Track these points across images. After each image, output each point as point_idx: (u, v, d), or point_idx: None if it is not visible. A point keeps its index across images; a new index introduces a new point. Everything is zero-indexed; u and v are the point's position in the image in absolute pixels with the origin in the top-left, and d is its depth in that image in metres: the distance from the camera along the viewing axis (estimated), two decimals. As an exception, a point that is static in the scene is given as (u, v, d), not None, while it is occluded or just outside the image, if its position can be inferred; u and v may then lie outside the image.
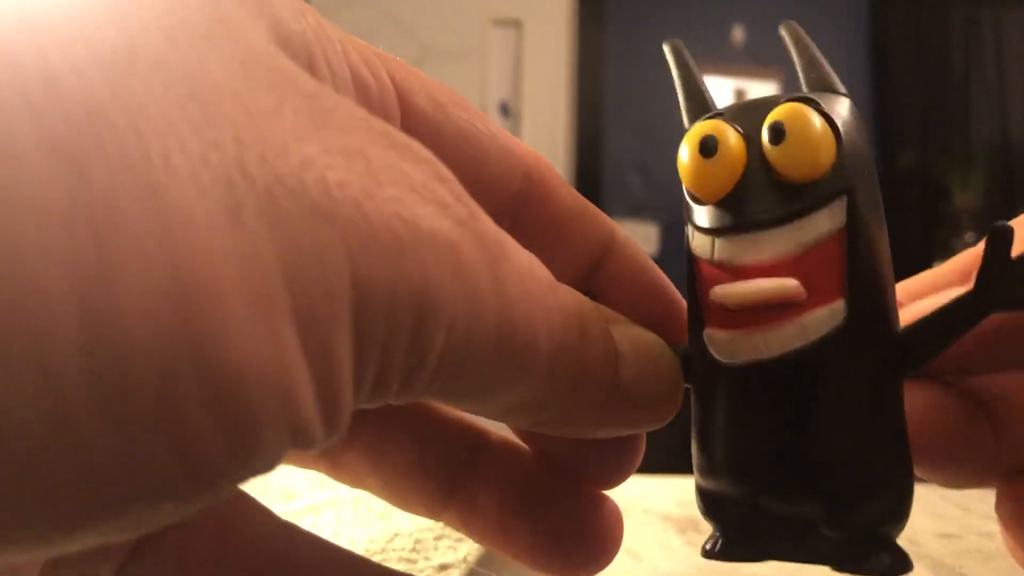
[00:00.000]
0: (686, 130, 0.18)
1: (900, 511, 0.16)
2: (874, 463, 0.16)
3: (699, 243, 0.17)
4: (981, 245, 0.17)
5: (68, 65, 0.09)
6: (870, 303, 0.16)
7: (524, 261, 0.14)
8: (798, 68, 0.18)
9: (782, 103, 0.17)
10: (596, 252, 0.20)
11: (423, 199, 0.12)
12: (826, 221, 0.16)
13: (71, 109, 0.09)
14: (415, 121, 0.17)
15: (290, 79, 0.12)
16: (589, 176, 2.18)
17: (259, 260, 0.10)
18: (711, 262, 0.17)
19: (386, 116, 0.16)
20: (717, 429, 0.17)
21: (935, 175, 2.15)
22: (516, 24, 2.19)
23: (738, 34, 2.27)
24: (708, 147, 0.17)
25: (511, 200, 0.19)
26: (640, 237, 2.16)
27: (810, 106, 0.17)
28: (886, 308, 0.16)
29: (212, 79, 0.11)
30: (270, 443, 0.10)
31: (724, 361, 0.16)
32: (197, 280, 0.09)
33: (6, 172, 0.08)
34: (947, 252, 2.05)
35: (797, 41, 0.19)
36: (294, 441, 0.11)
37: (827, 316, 0.16)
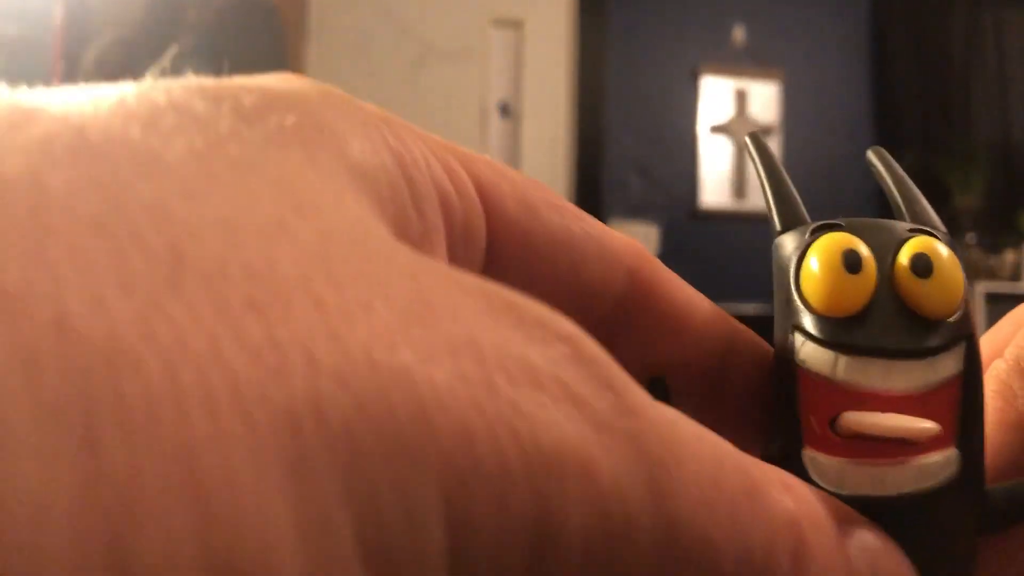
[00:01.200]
0: (778, 232, 0.18)
1: None
2: None
3: (816, 357, 0.16)
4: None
5: (89, 300, 0.07)
6: (977, 454, 0.16)
7: (706, 461, 0.11)
8: (896, 196, 0.18)
9: (915, 235, 0.17)
10: (718, 347, 0.18)
11: (551, 398, 0.10)
12: (952, 364, 0.16)
13: (84, 363, 0.07)
14: (503, 231, 0.15)
15: (384, 257, 0.10)
16: (589, 177, 2.18)
17: (326, 524, 0.08)
18: (830, 379, 0.16)
19: (469, 232, 0.14)
20: None
21: (936, 175, 2.15)
22: (517, 24, 2.19)
23: (739, 34, 2.27)
24: (852, 262, 0.16)
25: (616, 304, 0.17)
26: (640, 238, 2.16)
27: (940, 241, 0.16)
28: (983, 462, 0.16)
29: (282, 280, 0.09)
30: None
31: (829, 489, 0.15)
32: (240, 562, 0.08)
33: None
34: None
35: (889, 168, 0.19)
36: None
37: (943, 463, 0.15)
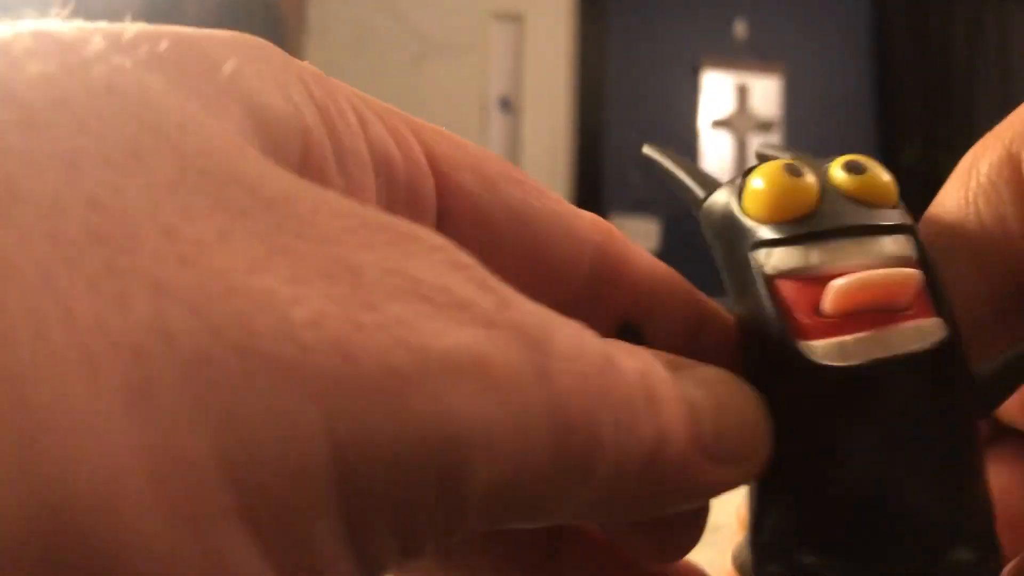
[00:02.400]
0: (701, 200, 0.19)
1: (990, 565, 0.16)
2: (968, 504, 0.16)
3: (786, 255, 0.16)
4: None
5: None
6: (958, 329, 0.16)
7: (572, 339, 0.12)
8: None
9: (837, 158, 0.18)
10: (684, 323, 0.18)
11: (437, 307, 0.10)
12: (906, 244, 0.17)
13: None
14: (459, 203, 0.14)
15: (250, 185, 0.10)
16: (590, 171, 2.18)
17: (179, 451, 0.08)
18: (806, 269, 0.16)
19: (414, 198, 0.14)
20: (805, 435, 0.16)
21: (938, 171, 2.14)
22: (517, 18, 2.18)
23: (740, 29, 2.27)
24: (794, 169, 0.17)
25: (583, 284, 0.16)
26: (641, 233, 2.16)
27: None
28: (964, 344, 0.16)
29: (128, 211, 0.08)
30: None
31: (833, 364, 0.15)
32: (77, 501, 0.07)
33: None
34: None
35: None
36: None
37: (932, 326, 0.16)
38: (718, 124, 2.24)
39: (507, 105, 2.18)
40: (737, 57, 2.25)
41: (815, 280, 0.16)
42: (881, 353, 0.15)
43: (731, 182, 0.18)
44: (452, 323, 0.10)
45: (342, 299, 0.09)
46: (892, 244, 0.16)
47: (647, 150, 0.21)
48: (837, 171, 0.17)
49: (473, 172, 0.15)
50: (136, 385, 0.08)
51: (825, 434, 0.16)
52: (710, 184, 0.19)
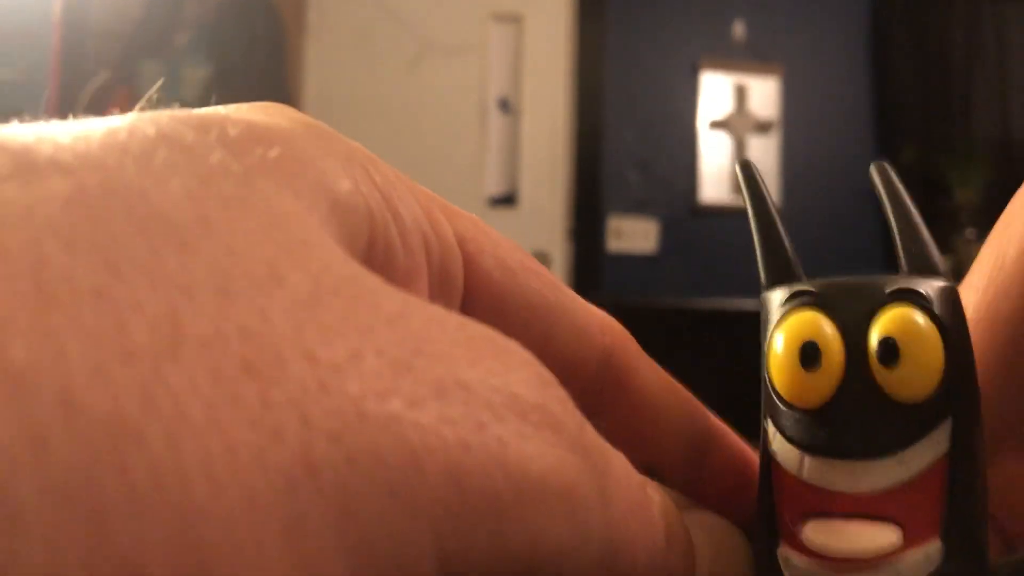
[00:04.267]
0: (764, 287, 0.17)
1: None
2: None
3: (784, 452, 0.16)
4: None
5: (92, 372, 0.08)
6: (967, 541, 0.15)
7: (624, 466, 0.12)
8: (893, 227, 0.16)
9: (888, 301, 0.15)
10: (686, 442, 0.18)
11: (534, 427, 0.11)
12: (931, 450, 0.15)
13: (89, 438, 0.07)
14: (479, 289, 0.15)
15: (370, 302, 0.10)
16: (589, 172, 2.18)
17: None
18: (798, 478, 0.15)
19: (446, 279, 0.14)
20: None
21: (935, 171, 2.15)
22: (516, 19, 2.19)
23: (739, 29, 2.27)
24: (810, 357, 0.15)
25: (588, 384, 0.16)
26: (640, 234, 2.16)
27: (919, 307, 0.15)
28: (981, 544, 0.15)
29: (275, 337, 0.09)
30: None
31: None
32: None
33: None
34: (947, 248, 2.05)
35: (891, 192, 0.17)
36: None
37: (922, 561, 0.14)
38: (716, 125, 2.24)
39: (506, 106, 2.18)
40: (736, 58, 2.25)
41: (808, 491, 0.15)
42: None
43: (782, 294, 0.16)
44: (547, 446, 0.11)
45: (454, 421, 0.10)
46: (906, 461, 0.15)
47: (739, 169, 0.18)
48: (873, 344, 0.15)
49: (496, 258, 0.15)
50: (290, 520, 0.08)
51: None
52: (776, 267, 0.17)
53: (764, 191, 0.18)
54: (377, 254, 0.12)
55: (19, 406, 0.07)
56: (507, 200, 2.16)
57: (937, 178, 2.15)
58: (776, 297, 0.16)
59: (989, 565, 0.15)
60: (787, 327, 0.15)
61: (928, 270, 0.16)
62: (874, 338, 0.15)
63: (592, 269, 2.12)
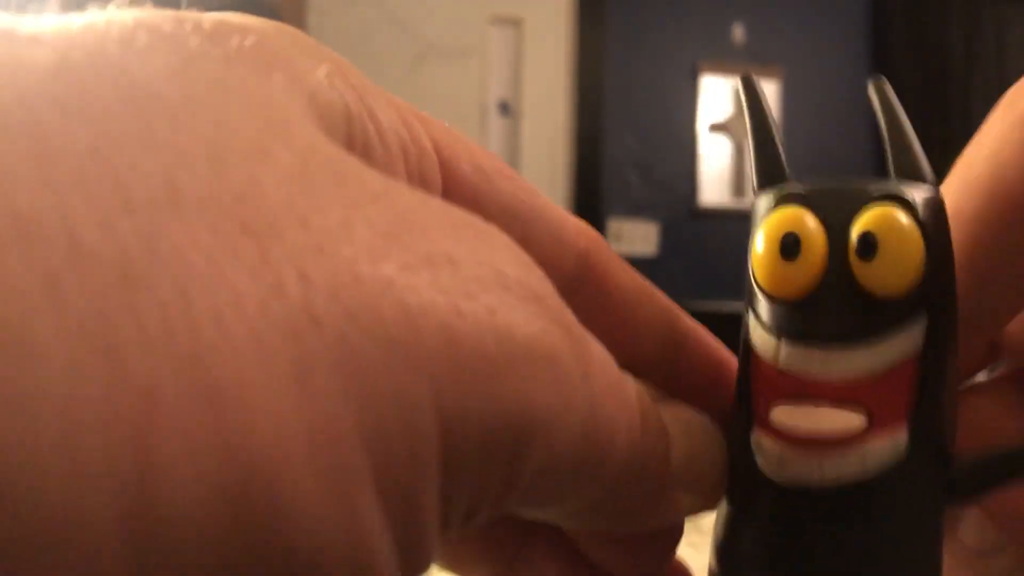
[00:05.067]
0: (755, 192, 0.17)
1: None
2: None
3: (762, 340, 0.16)
4: None
5: (97, 222, 0.08)
6: (933, 434, 0.15)
7: (600, 350, 0.13)
8: (885, 138, 0.17)
9: (873, 200, 0.15)
10: (661, 342, 0.18)
11: (519, 298, 0.11)
12: (903, 344, 0.15)
13: (100, 281, 0.08)
14: (456, 193, 0.15)
15: (355, 180, 0.10)
16: (589, 175, 2.18)
17: (333, 424, 0.09)
18: (773, 365, 0.16)
19: (424, 183, 0.15)
20: (750, 535, 0.16)
21: (935, 172, 2.14)
22: (516, 22, 2.19)
23: (738, 33, 2.27)
24: (790, 248, 0.15)
25: (565, 286, 0.16)
26: (640, 236, 2.16)
27: (903, 208, 0.15)
28: (946, 438, 0.16)
29: (269, 203, 0.09)
30: None
31: (769, 475, 0.15)
32: (256, 467, 0.08)
33: (20, 374, 0.07)
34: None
35: (885, 105, 0.17)
36: None
37: (889, 448, 0.15)
38: (716, 127, 2.24)
39: (506, 109, 2.19)
40: (735, 61, 2.25)
41: (782, 378, 0.15)
42: (814, 480, 0.15)
43: (772, 195, 0.17)
44: (531, 316, 0.11)
45: (446, 288, 0.10)
46: (878, 351, 0.15)
47: (740, 82, 0.18)
48: (853, 239, 0.15)
49: (472, 163, 0.15)
50: (298, 366, 0.09)
51: (757, 522, 0.16)
52: (769, 172, 0.17)
53: (764, 103, 0.18)
54: (356, 149, 0.12)
55: (30, 251, 0.07)
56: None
57: (936, 178, 2.15)
58: (765, 198, 0.17)
59: (954, 460, 0.16)
60: (771, 221, 0.16)
61: (916, 177, 0.16)
62: (855, 233, 0.15)
63: (592, 272, 2.12)
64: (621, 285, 0.18)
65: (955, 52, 2.32)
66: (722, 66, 2.25)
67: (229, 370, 0.08)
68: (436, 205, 0.12)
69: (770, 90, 2.26)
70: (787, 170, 0.17)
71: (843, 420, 0.15)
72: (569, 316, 0.12)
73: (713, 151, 2.24)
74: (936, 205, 0.16)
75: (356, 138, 0.12)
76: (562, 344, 0.12)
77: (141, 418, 0.08)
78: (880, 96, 0.17)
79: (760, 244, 0.16)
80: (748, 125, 0.18)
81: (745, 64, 2.24)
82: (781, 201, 0.16)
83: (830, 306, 0.15)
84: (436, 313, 0.10)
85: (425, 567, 0.11)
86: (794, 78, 2.26)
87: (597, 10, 2.20)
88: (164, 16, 0.11)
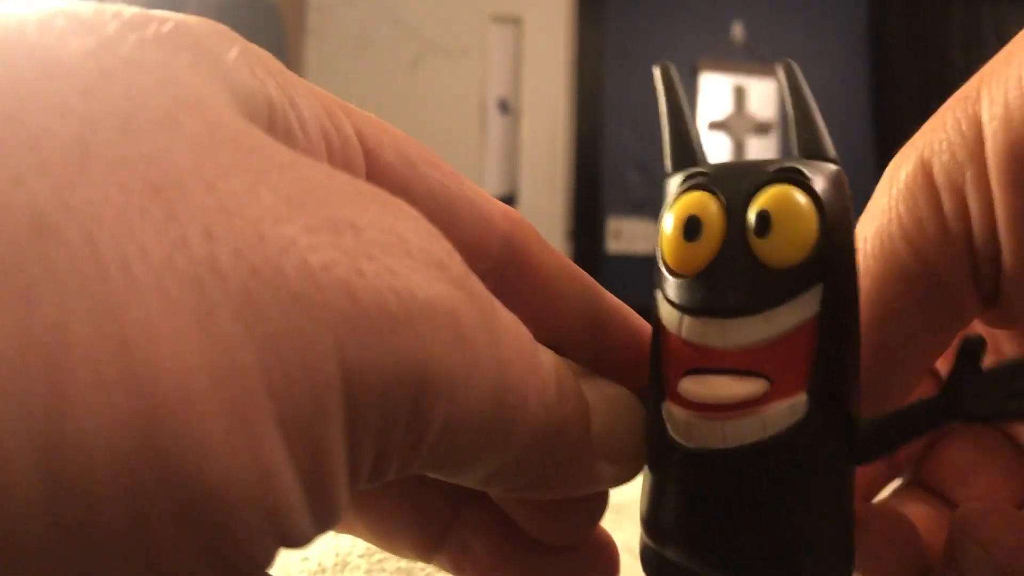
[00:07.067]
0: (668, 174, 0.18)
1: None
2: (819, 553, 0.16)
3: (667, 314, 0.17)
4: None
5: (8, 176, 0.09)
6: (833, 396, 0.16)
7: (511, 319, 0.14)
8: (791, 118, 0.18)
9: (771, 178, 0.16)
10: (584, 320, 0.19)
11: (421, 263, 0.12)
12: (798, 311, 0.16)
13: (13, 228, 0.08)
14: (382, 180, 0.16)
15: (263, 151, 0.11)
16: (589, 173, 2.18)
17: (236, 367, 0.09)
18: (678, 337, 0.17)
19: (347, 170, 0.15)
20: (668, 501, 0.17)
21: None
22: (516, 21, 2.19)
23: (738, 31, 2.27)
24: (691, 230, 0.17)
25: (490, 270, 0.18)
26: (640, 235, 2.16)
27: (798, 186, 0.16)
28: (848, 400, 0.16)
29: (176, 167, 0.10)
30: (255, 554, 0.10)
31: (679, 442, 0.16)
32: (162, 401, 0.09)
33: None
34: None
35: (794, 87, 0.18)
36: (283, 544, 0.10)
37: (787, 411, 0.16)
38: (715, 126, 2.25)
39: (506, 107, 2.19)
40: (734, 59, 2.25)
41: (687, 348, 0.16)
42: (718, 444, 0.16)
43: (680, 179, 0.18)
44: (433, 279, 0.12)
45: (347, 250, 0.11)
46: (772, 320, 0.16)
47: (657, 71, 0.19)
48: (750, 218, 0.16)
49: (396, 152, 0.16)
50: (202, 312, 0.09)
51: (673, 485, 0.17)
52: (680, 155, 0.19)
53: (678, 90, 0.19)
54: (277, 135, 0.13)
55: None
56: (507, 201, 2.14)
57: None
58: (675, 180, 0.18)
59: (855, 419, 0.16)
60: (676, 206, 0.17)
61: (818, 155, 0.17)
62: (752, 212, 0.16)
63: (592, 270, 2.11)
64: (544, 266, 0.18)
65: (954, 52, 2.32)
66: (722, 65, 2.25)
67: (135, 311, 0.09)
68: (342, 178, 0.12)
69: (769, 89, 2.26)
70: (698, 153, 0.19)
71: (742, 387, 0.16)
72: (474, 282, 0.13)
73: (712, 149, 2.24)
74: (835, 178, 0.17)
75: (278, 124, 0.13)
76: (466, 307, 0.12)
77: (53, 349, 0.08)
78: (789, 78, 0.18)
79: (668, 225, 0.17)
80: (663, 111, 0.19)
81: (744, 62, 2.24)
82: (690, 186, 0.17)
83: (726, 280, 0.16)
84: (337, 270, 0.10)
85: (336, 519, 0.11)
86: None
87: (597, 9, 2.20)
88: (86, 5, 0.12)
